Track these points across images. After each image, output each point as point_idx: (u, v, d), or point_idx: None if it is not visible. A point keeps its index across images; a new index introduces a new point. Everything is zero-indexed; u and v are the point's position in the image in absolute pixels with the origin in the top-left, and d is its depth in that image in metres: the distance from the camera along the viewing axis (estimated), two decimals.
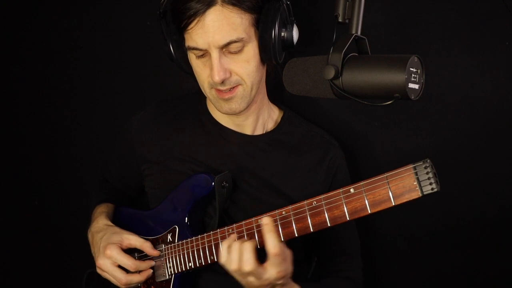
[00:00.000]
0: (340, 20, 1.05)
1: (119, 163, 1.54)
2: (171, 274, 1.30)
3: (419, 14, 1.43)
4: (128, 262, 1.28)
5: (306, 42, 1.31)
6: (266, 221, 1.11)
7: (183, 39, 1.22)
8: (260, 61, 1.23)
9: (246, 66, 1.20)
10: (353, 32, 1.04)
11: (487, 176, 1.46)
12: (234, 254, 1.10)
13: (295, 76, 1.10)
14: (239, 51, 1.18)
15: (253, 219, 1.16)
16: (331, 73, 1.01)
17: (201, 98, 1.42)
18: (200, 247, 1.23)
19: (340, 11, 1.04)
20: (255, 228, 1.15)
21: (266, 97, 1.39)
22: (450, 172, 1.42)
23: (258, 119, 1.37)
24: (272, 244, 1.08)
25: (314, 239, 1.42)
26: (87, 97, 1.77)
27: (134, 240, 1.31)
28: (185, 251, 1.26)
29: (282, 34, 1.19)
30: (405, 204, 1.02)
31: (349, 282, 1.40)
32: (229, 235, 1.18)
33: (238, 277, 1.13)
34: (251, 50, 1.20)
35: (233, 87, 1.21)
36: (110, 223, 1.39)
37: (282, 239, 1.12)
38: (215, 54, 1.16)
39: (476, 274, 1.53)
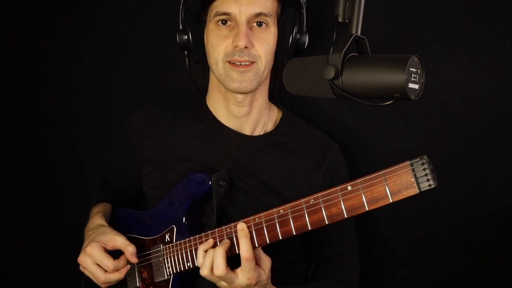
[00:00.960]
0: (340, 20, 1.05)
1: (119, 162, 1.54)
2: (170, 274, 1.30)
3: (419, 14, 1.43)
4: (106, 262, 1.26)
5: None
6: (241, 227, 1.14)
7: (205, 14, 1.29)
8: (274, 51, 1.29)
9: (266, 45, 1.26)
10: (353, 32, 1.04)
11: (488, 176, 1.46)
12: (207, 260, 1.14)
13: (295, 76, 1.10)
14: (264, 26, 1.25)
15: (250, 217, 1.16)
16: (331, 73, 1.01)
17: (201, 97, 1.42)
18: (199, 246, 1.22)
19: (340, 11, 1.05)
20: (253, 226, 1.14)
21: (267, 99, 1.39)
22: (450, 172, 1.42)
23: (259, 119, 1.37)
24: (245, 248, 1.12)
25: (313, 240, 1.42)
26: (88, 97, 1.77)
27: (119, 242, 1.29)
28: (183, 251, 1.26)
29: (298, 35, 1.29)
30: (405, 205, 1.02)
31: (341, 285, 1.39)
32: (227, 234, 1.18)
33: (212, 281, 1.17)
34: (272, 35, 1.27)
35: (249, 63, 1.25)
36: (104, 223, 1.38)
37: (280, 238, 1.11)
38: (243, 20, 1.23)
39: (476, 274, 1.53)
